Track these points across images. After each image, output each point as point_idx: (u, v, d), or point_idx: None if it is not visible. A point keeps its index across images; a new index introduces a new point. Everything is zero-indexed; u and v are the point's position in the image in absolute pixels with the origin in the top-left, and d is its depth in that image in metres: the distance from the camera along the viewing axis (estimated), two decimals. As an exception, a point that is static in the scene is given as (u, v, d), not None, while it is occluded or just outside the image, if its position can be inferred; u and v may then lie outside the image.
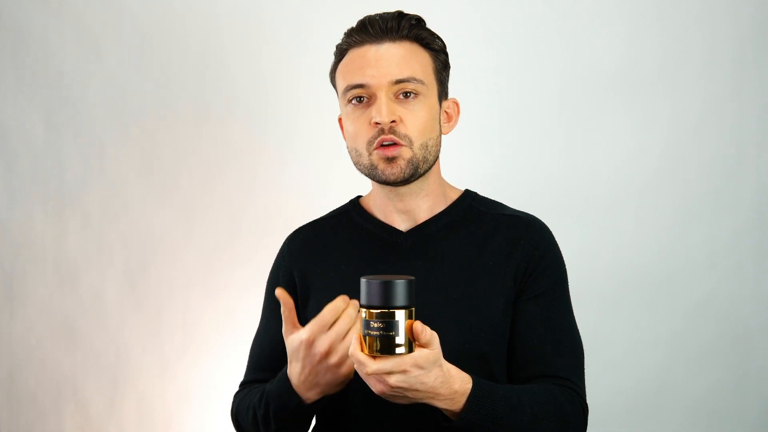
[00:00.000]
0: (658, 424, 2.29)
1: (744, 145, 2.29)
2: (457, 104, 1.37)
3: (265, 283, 1.43)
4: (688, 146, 2.30)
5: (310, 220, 1.45)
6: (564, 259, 1.35)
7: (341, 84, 1.31)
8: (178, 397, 2.48)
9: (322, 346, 1.13)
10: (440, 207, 1.35)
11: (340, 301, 1.14)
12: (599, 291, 2.29)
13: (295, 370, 1.17)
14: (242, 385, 1.39)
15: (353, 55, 1.29)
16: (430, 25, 1.36)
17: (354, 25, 1.32)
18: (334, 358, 1.14)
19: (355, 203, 1.41)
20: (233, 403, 1.36)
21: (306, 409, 1.20)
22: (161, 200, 2.51)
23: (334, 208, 1.44)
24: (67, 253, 2.55)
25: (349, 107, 1.29)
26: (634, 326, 2.30)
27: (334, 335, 1.13)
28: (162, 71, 2.50)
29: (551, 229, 1.36)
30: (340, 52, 1.32)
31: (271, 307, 1.39)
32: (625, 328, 2.30)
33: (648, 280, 2.30)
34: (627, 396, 2.28)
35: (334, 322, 1.13)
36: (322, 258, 1.36)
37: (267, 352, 1.37)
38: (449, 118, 1.36)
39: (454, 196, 1.38)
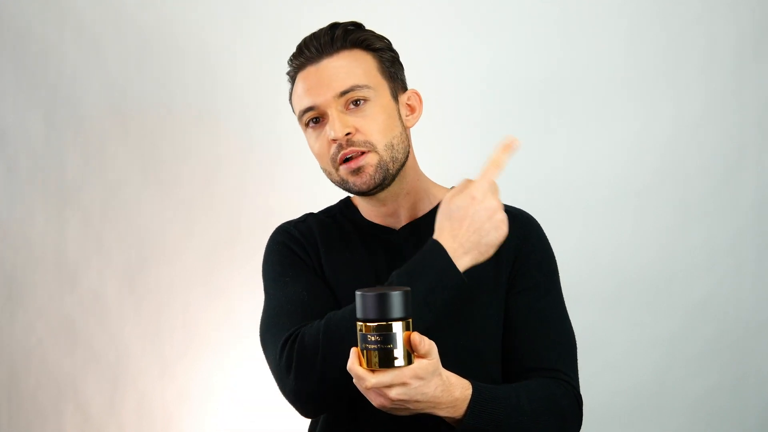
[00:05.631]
0: (657, 425, 2.29)
1: (744, 144, 2.29)
2: (417, 94, 1.36)
3: (263, 264, 1.36)
4: (688, 146, 2.30)
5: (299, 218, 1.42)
6: (555, 252, 1.35)
7: (296, 110, 1.32)
8: (178, 397, 2.48)
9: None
10: (425, 203, 1.35)
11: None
12: (599, 291, 2.28)
13: (455, 228, 1.17)
14: (288, 336, 1.21)
15: (298, 79, 1.31)
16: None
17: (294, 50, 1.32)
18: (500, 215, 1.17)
19: (347, 203, 1.41)
20: (308, 334, 1.18)
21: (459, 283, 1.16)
22: (161, 200, 2.51)
23: (324, 208, 1.44)
24: (67, 253, 2.55)
25: (309, 130, 1.30)
26: (634, 326, 2.29)
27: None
28: (162, 71, 2.50)
29: (551, 229, 1.37)
30: (291, 80, 1.33)
31: (294, 269, 1.32)
32: (624, 329, 2.30)
33: (648, 281, 2.29)
34: (626, 396, 2.28)
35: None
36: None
37: (310, 299, 1.27)
38: (412, 109, 1.35)
39: (440, 195, 1.36)
